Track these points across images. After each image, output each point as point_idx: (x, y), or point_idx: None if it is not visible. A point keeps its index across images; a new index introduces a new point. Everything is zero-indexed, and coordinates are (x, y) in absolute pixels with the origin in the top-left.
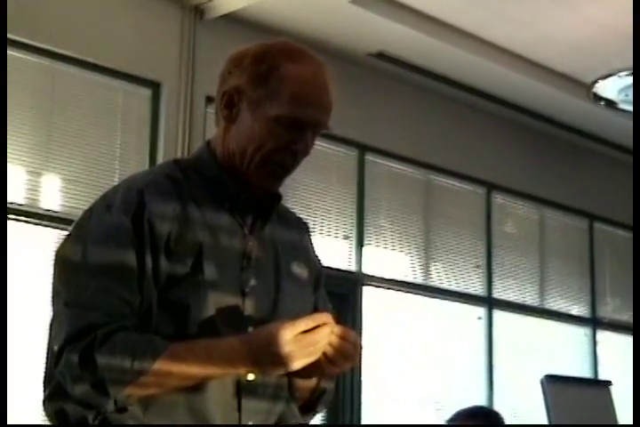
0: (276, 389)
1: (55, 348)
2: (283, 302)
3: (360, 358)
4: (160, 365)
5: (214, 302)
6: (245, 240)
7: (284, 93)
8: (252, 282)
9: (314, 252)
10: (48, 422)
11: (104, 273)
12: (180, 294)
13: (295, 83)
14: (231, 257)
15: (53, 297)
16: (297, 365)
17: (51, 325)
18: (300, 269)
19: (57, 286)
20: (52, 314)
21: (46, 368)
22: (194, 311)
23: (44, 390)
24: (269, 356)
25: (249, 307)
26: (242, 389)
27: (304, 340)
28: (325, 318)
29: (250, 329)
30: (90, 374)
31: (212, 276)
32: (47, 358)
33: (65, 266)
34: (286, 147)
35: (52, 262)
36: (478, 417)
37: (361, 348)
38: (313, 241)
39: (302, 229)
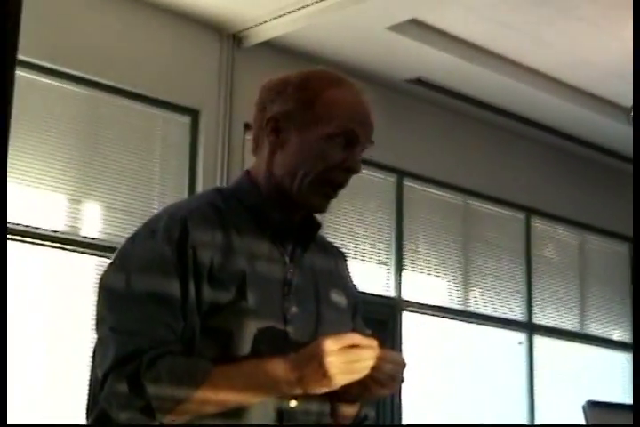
0: (318, 416)
1: (100, 374)
2: (323, 330)
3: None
4: (206, 388)
5: (257, 329)
6: (286, 268)
7: (332, 114)
8: (294, 309)
9: (351, 280)
10: None
11: (148, 300)
12: (223, 322)
13: (342, 103)
14: (273, 285)
15: (98, 324)
16: (341, 380)
17: (94, 351)
18: (338, 297)
19: (101, 312)
20: (96, 340)
21: (89, 395)
22: (237, 339)
23: (87, 417)
24: (313, 368)
25: (291, 334)
26: (284, 416)
27: (349, 354)
28: (370, 341)
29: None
30: (137, 398)
31: (255, 303)
32: (90, 384)
33: (110, 293)
34: (340, 164)
35: (97, 289)
36: None
37: (405, 367)
38: (350, 268)
39: (339, 257)
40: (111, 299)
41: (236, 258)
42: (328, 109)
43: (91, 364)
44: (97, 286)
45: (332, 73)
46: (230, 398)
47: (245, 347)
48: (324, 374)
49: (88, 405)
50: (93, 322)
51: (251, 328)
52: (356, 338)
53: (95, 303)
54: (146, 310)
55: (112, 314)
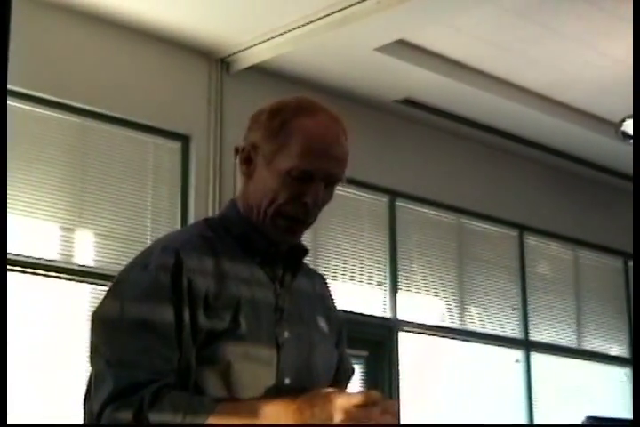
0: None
1: (96, 407)
2: (314, 355)
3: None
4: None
5: (252, 355)
6: (276, 293)
7: (293, 146)
8: (286, 334)
9: (334, 304)
10: None
11: (144, 331)
12: (218, 350)
13: (304, 135)
14: (265, 310)
15: (92, 355)
16: None
17: (89, 383)
18: (323, 323)
19: (97, 344)
20: (90, 372)
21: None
22: (233, 366)
23: None
24: (321, 419)
25: (284, 359)
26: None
27: (357, 414)
28: (377, 397)
29: (287, 381)
30: None
31: (250, 330)
32: (84, 416)
33: (104, 324)
34: (296, 199)
35: (91, 321)
36: None
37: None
38: (331, 291)
39: (321, 281)
40: (106, 330)
41: (229, 286)
42: (290, 142)
43: (84, 395)
44: (90, 317)
45: (307, 100)
46: None
47: (241, 374)
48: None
49: None
50: (87, 352)
51: (246, 355)
52: (363, 399)
53: (90, 334)
54: (142, 341)
55: (107, 345)
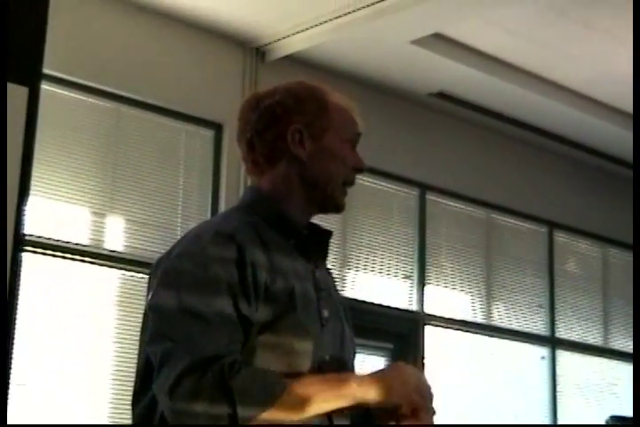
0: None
1: (169, 382)
2: (345, 333)
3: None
4: (288, 397)
5: (308, 335)
6: (314, 274)
7: (343, 120)
8: (326, 313)
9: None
10: None
11: (207, 315)
12: (280, 333)
13: (344, 109)
14: (310, 291)
15: (152, 342)
16: (406, 412)
17: (139, 382)
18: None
19: (158, 330)
20: (154, 357)
21: (137, 415)
22: (294, 347)
23: None
24: (398, 394)
25: (327, 337)
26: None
27: (429, 403)
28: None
29: (327, 358)
30: (222, 402)
31: (303, 311)
32: (139, 402)
33: (166, 313)
34: (355, 166)
35: (149, 311)
36: None
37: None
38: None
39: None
40: (170, 316)
41: (282, 270)
42: (339, 116)
43: (134, 397)
44: (148, 307)
45: (313, 84)
46: (309, 407)
47: (300, 355)
48: (399, 402)
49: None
50: (119, 336)
51: (303, 336)
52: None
53: (148, 325)
54: (207, 324)
55: (172, 329)
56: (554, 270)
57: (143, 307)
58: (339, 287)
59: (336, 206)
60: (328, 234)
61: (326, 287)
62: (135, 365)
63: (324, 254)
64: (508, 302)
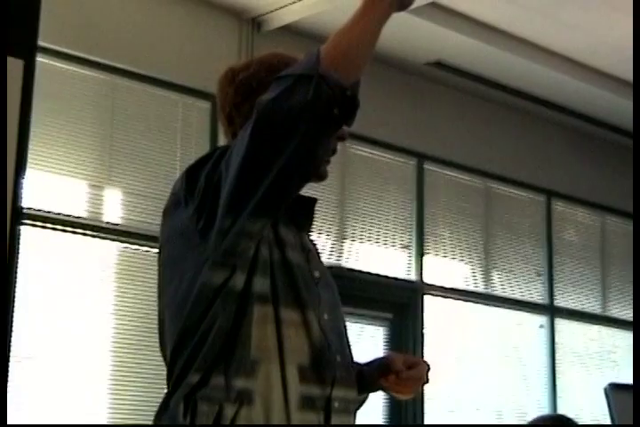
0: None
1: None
2: (335, 293)
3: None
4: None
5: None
6: (300, 235)
7: None
8: (317, 274)
9: None
10: None
11: None
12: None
13: None
14: (299, 251)
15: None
16: None
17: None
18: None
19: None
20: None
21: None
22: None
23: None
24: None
25: (322, 295)
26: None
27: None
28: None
29: (325, 316)
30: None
31: (298, 264)
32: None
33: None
34: (340, 133)
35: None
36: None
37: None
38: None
39: None
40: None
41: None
42: None
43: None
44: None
45: (291, 53)
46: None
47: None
48: None
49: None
50: (117, 308)
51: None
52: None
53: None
54: None
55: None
56: (552, 239)
57: (143, 278)
58: (336, 258)
59: (318, 176)
60: (313, 201)
61: (313, 248)
62: (134, 341)
63: (310, 222)
64: (507, 270)
